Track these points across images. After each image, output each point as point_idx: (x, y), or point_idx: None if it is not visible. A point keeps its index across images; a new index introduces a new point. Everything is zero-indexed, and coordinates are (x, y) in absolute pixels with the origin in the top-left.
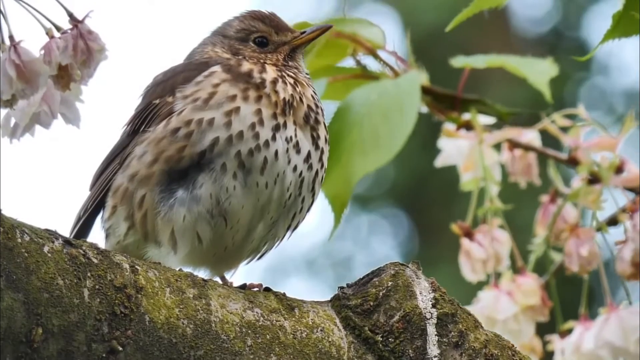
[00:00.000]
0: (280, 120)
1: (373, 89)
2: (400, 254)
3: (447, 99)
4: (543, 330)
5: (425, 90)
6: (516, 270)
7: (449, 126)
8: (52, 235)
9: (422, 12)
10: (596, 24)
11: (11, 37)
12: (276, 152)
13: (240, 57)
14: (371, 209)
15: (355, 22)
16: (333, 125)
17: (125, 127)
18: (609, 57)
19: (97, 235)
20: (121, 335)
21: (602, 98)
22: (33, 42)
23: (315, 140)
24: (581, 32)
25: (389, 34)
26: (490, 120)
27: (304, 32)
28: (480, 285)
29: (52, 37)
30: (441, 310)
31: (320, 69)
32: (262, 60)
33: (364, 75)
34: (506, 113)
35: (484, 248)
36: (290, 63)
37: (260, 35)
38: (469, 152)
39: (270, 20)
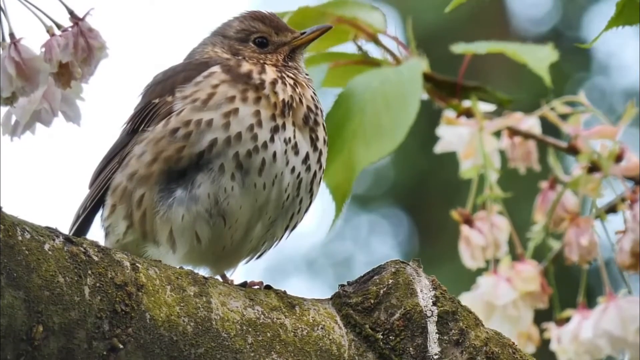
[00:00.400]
0: (279, 121)
1: (374, 76)
2: (400, 253)
3: (448, 86)
4: (541, 318)
5: (426, 77)
6: (515, 258)
7: (449, 113)
8: (52, 232)
9: (422, 12)
10: (596, 24)
11: (12, 35)
12: (274, 154)
13: (239, 57)
14: (371, 209)
15: (356, 5)
16: (334, 112)
17: (125, 125)
18: (609, 57)
19: (96, 234)
20: (122, 333)
21: (602, 98)
22: (34, 39)
23: (314, 142)
24: (581, 32)
25: (394, 30)
26: (490, 107)
27: (304, 33)
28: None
29: (52, 34)
30: (442, 308)
31: (320, 54)
32: (262, 61)
33: (365, 61)
34: (506, 100)
35: (483, 235)
36: (290, 63)
37: (260, 35)
38: (469, 139)
39: (270, 21)
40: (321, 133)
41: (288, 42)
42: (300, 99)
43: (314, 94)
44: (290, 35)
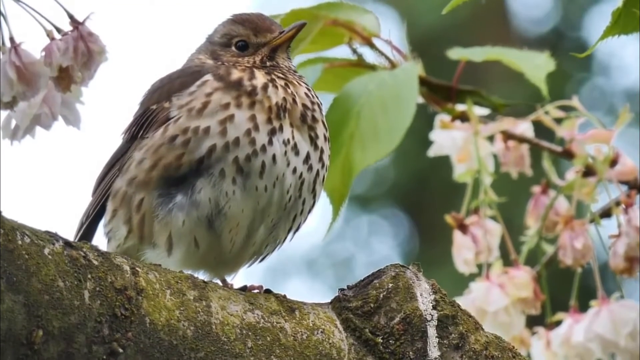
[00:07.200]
0: (276, 124)
1: (370, 80)
2: (400, 254)
3: (443, 90)
4: (533, 321)
5: (421, 81)
6: (509, 262)
7: (444, 117)
8: (52, 237)
9: (422, 13)
10: (597, 24)
11: (12, 39)
12: (274, 156)
13: (219, 62)
14: (371, 209)
15: (351, 8)
16: (330, 115)
17: (124, 134)
18: (609, 57)
19: (100, 241)
20: (122, 337)
21: (603, 98)
22: (34, 44)
23: (313, 140)
24: (582, 32)
25: (388, 33)
26: (484, 111)
27: (283, 32)
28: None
29: (52, 39)
30: (442, 312)
31: (315, 57)
32: (241, 65)
33: (360, 64)
34: (501, 104)
35: (477, 240)
36: (268, 63)
37: (240, 39)
38: (463, 143)
39: (250, 23)
40: (321, 130)
41: (267, 43)
42: (293, 98)
43: (308, 89)
44: (269, 36)
